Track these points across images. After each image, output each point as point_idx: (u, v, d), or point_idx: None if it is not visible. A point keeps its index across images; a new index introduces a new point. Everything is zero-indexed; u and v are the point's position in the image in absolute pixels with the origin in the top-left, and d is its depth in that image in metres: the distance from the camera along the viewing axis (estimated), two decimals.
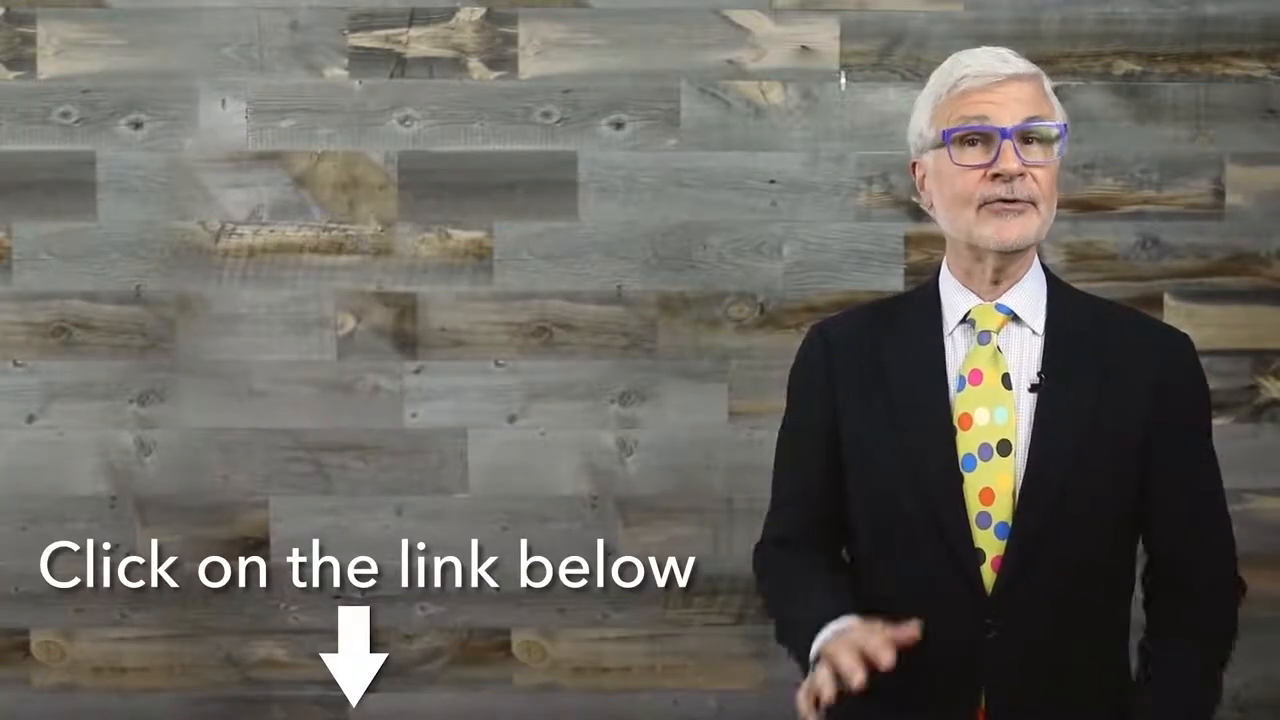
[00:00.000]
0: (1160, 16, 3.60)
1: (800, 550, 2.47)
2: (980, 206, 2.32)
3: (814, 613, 2.32)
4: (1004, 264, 2.36)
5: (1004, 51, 2.35)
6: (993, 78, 2.32)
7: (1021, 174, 2.30)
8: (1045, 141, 2.33)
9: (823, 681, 2.19)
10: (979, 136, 2.32)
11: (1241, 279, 3.60)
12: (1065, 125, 2.34)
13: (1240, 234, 3.60)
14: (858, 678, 2.18)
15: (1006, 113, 2.30)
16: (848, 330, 2.46)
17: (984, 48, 2.38)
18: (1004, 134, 2.30)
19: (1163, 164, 3.60)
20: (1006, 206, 2.31)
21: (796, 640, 2.35)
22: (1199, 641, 2.39)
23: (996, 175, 2.30)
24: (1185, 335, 2.42)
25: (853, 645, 2.21)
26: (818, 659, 2.25)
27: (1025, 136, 2.32)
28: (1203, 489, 2.40)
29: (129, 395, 3.57)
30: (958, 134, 2.33)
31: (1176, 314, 3.55)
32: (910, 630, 2.22)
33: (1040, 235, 2.35)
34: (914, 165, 2.42)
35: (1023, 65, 2.34)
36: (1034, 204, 2.32)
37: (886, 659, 2.19)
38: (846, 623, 2.28)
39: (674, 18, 3.59)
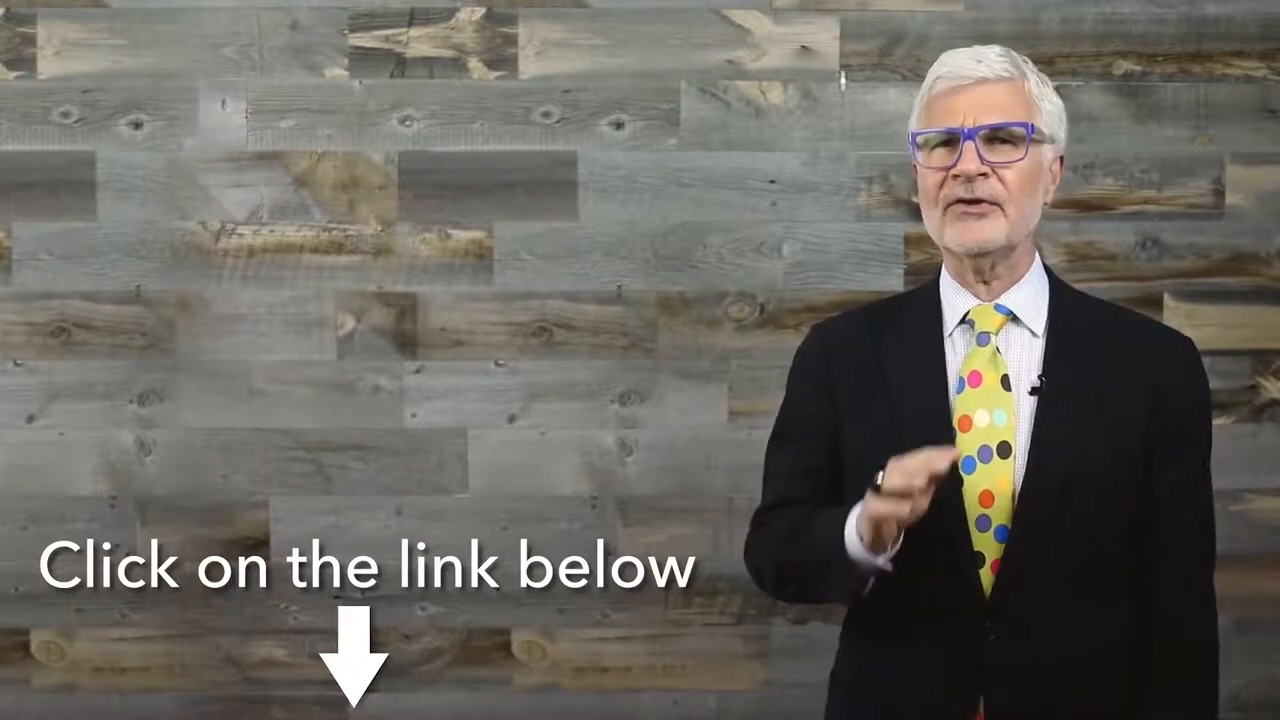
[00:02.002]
0: (1160, 16, 3.59)
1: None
2: (946, 209, 2.33)
3: (828, 522, 2.30)
4: (980, 265, 2.36)
5: (986, 51, 2.35)
6: (963, 80, 2.33)
7: (984, 174, 2.30)
8: (1016, 142, 2.32)
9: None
10: (946, 138, 2.33)
11: (1241, 279, 3.60)
12: (1031, 125, 2.32)
13: (1240, 234, 3.60)
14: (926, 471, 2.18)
15: (970, 115, 2.31)
16: (848, 331, 2.46)
17: (970, 47, 2.38)
18: (965, 135, 2.30)
19: (1163, 164, 3.60)
20: (968, 209, 2.31)
21: (828, 545, 2.29)
22: (1190, 665, 2.37)
23: (958, 176, 2.31)
24: (1188, 339, 2.42)
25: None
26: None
27: (995, 137, 2.32)
28: (1194, 496, 2.38)
29: (129, 395, 3.57)
30: (922, 136, 2.35)
31: (1176, 314, 3.55)
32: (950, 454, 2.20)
33: (1012, 237, 2.33)
34: (914, 166, 2.42)
35: (999, 67, 2.33)
36: (1000, 206, 2.31)
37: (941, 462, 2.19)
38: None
39: (674, 18, 3.59)
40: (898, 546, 2.25)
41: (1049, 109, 2.36)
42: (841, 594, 2.33)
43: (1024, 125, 2.32)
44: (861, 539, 2.25)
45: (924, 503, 2.19)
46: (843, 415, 2.40)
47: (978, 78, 2.32)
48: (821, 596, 2.37)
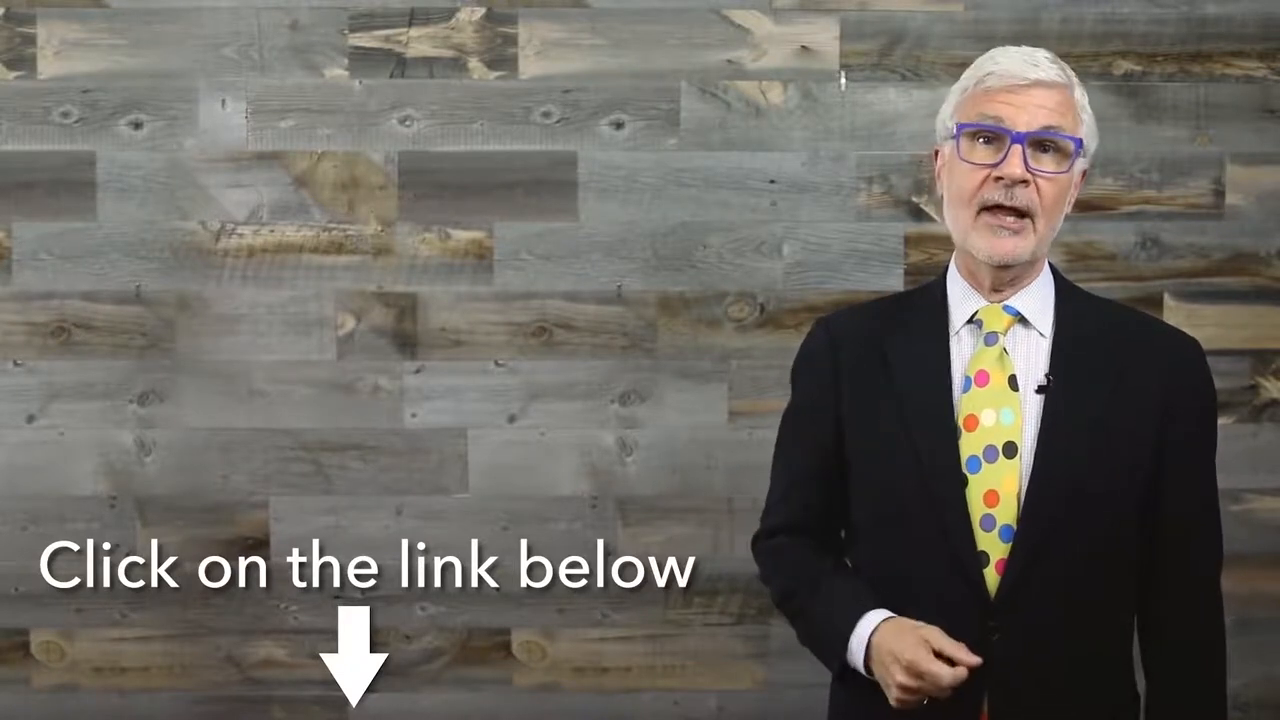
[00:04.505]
0: (1160, 16, 3.60)
1: (804, 541, 2.46)
2: (979, 214, 2.31)
3: (842, 608, 2.35)
4: (1000, 276, 2.35)
5: (1039, 54, 2.33)
6: (1017, 80, 2.30)
7: (1025, 181, 2.28)
8: (1060, 153, 2.31)
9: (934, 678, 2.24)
10: (991, 136, 2.31)
11: (1241, 279, 3.60)
12: (1081, 140, 2.31)
13: (1240, 234, 3.60)
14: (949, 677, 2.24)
15: (1023, 117, 2.29)
16: (853, 326, 2.45)
17: (1022, 48, 2.35)
18: (1015, 138, 2.28)
19: (1163, 164, 3.60)
20: (1003, 224, 2.30)
21: (827, 638, 2.37)
22: (1199, 662, 2.39)
23: (1000, 178, 2.29)
24: (1194, 340, 2.41)
25: (923, 644, 2.25)
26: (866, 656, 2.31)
27: (1041, 144, 2.30)
28: (1203, 498, 2.40)
29: (129, 395, 3.57)
30: (969, 129, 2.32)
31: (1176, 314, 3.55)
32: (969, 661, 2.25)
33: (1037, 252, 2.33)
34: (936, 152, 2.40)
35: (1053, 73, 2.31)
36: (1031, 219, 2.30)
37: (966, 660, 2.24)
38: (882, 616, 2.31)
39: (674, 18, 3.59)
40: None
41: (1087, 121, 2.35)
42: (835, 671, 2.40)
43: (1074, 139, 2.31)
44: (867, 669, 2.32)
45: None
46: (847, 410, 2.40)
47: (1033, 80, 2.30)
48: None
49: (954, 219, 2.36)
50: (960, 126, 2.32)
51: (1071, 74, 2.35)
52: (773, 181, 3.60)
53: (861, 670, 2.32)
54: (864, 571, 2.42)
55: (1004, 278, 2.35)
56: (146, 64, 3.57)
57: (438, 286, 3.59)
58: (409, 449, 3.59)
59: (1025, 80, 2.30)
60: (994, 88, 2.31)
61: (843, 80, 3.60)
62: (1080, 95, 2.34)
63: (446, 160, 3.59)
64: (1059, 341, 2.35)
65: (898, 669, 2.26)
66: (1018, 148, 2.28)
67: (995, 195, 2.29)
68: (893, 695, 2.28)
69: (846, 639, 2.33)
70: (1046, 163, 2.30)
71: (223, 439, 3.58)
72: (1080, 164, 2.35)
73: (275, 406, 3.58)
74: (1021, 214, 2.30)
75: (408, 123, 3.59)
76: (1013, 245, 2.31)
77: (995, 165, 2.29)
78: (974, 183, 2.31)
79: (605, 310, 3.60)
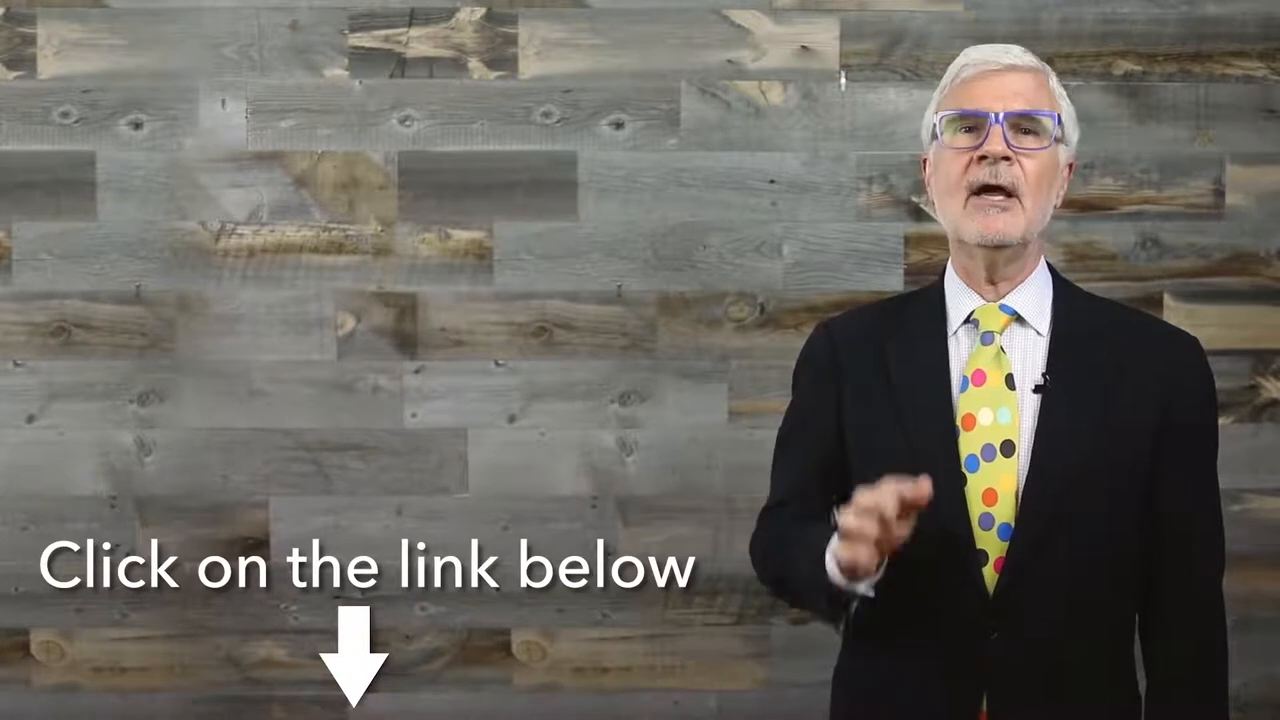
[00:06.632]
0: (1160, 16, 3.60)
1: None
2: (967, 199, 2.33)
3: (817, 539, 2.29)
4: (994, 261, 2.36)
5: (1011, 47, 2.39)
6: (992, 65, 2.35)
7: (1009, 159, 2.31)
8: (1040, 133, 2.34)
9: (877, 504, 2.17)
10: (972, 122, 2.34)
11: (1241, 279, 3.60)
12: (1059, 115, 2.35)
13: (1240, 234, 3.60)
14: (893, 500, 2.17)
15: (1000, 100, 2.33)
16: (853, 328, 2.47)
17: (994, 44, 2.42)
18: (994, 119, 2.31)
19: (1163, 164, 3.60)
20: (991, 201, 2.32)
21: (808, 577, 2.30)
22: (1198, 663, 2.39)
23: (983, 158, 2.32)
24: (1194, 338, 2.43)
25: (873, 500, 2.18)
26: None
27: (1020, 126, 2.33)
28: (1204, 497, 2.40)
29: (129, 395, 3.57)
30: (949, 116, 2.36)
31: (1176, 314, 3.55)
32: (922, 487, 2.17)
33: (1028, 232, 2.35)
34: (925, 161, 2.43)
35: (1026, 59, 2.37)
36: (1019, 198, 2.32)
37: (924, 489, 2.17)
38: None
39: (674, 18, 3.59)
40: (880, 574, 2.25)
41: (1067, 109, 2.39)
42: (826, 618, 2.36)
43: (1051, 115, 2.35)
44: (840, 568, 2.26)
45: (903, 531, 2.19)
46: (847, 411, 2.41)
47: (1006, 64, 2.35)
48: (812, 614, 2.41)
49: (945, 210, 2.38)
50: (939, 116, 2.37)
51: (1046, 66, 2.40)
52: (773, 181, 3.60)
53: (844, 582, 2.25)
54: None
55: (998, 265, 2.37)
56: (146, 64, 3.58)
57: (438, 286, 3.59)
58: (409, 449, 3.59)
59: (999, 65, 2.35)
60: (970, 78, 2.36)
61: (843, 80, 3.60)
62: (1055, 84, 2.39)
63: (446, 160, 3.59)
64: (1056, 340, 2.36)
65: (838, 513, 2.21)
66: (998, 127, 2.32)
67: (981, 175, 2.33)
68: (835, 549, 2.22)
69: (823, 558, 2.26)
70: (1027, 141, 2.34)
71: (223, 439, 3.58)
72: (1063, 151, 2.38)
73: (275, 406, 3.58)
74: (1009, 194, 2.32)
75: (408, 123, 3.59)
76: (1003, 222, 2.33)
77: (977, 147, 2.32)
78: (959, 167, 2.34)
79: (605, 310, 3.60)
